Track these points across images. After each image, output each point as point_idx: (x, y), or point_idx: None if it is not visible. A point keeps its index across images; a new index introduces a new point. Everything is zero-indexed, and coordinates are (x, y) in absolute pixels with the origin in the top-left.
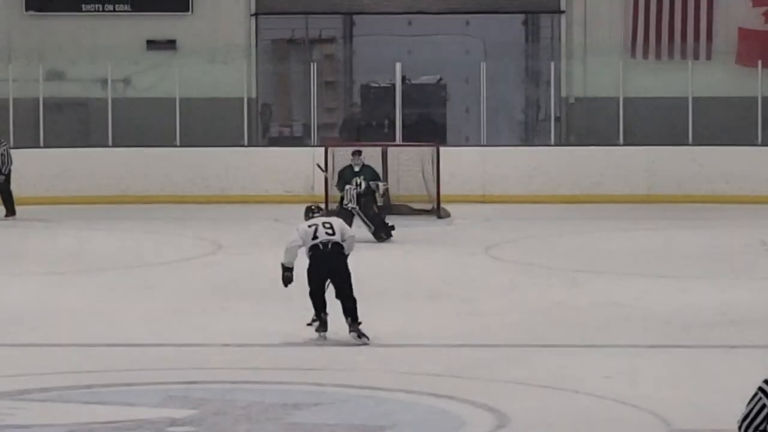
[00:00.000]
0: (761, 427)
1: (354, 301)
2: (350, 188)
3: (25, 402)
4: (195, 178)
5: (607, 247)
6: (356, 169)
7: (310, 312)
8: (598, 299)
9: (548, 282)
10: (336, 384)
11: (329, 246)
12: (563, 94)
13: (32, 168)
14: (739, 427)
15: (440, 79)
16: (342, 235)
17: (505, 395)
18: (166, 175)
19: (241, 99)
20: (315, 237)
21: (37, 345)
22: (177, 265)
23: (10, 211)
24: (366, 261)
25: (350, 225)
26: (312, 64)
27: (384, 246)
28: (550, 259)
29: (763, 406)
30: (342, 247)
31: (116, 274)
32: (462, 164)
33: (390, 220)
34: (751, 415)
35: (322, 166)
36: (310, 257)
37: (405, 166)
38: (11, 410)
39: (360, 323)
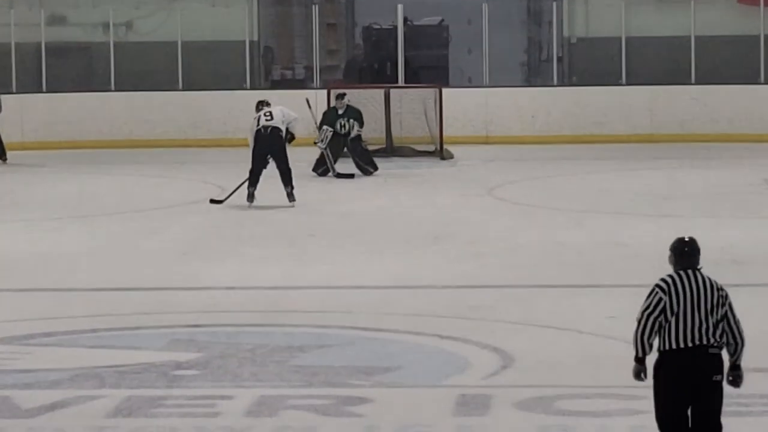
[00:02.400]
0: (659, 318)
1: (290, 171)
2: (326, 129)
3: (30, 346)
4: (198, 122)
5: (610, 187)
6: (340, 111)
7: (312, 254)
8: (602, 239)
9: (551, 222)
10: (340, 326)
11: (268, 130)
12: (565, 34)
13: (35, 113)
14: (638, 319)
15: (442, 20)
16: (283, 120)
17: (509, 336)
18: (168, 118)
19: (243, 42)
20: (258, 124)
21: (41, 290)
22: (181, 208)
23: (2, 157)
24: (368, 203)
25: (325, 164)
26: (314, 6)
27: (387, 188)
28: (552, 199)
29: (660, 299)
30: (279, 130)
31: (120, 218)
32: (464, 105)
33: (393, 161)
34: (650, 308)
35: (311, 103)
36: (254, 140)
37: (407, 108)
38: (16, 355)
39: (293, 188)
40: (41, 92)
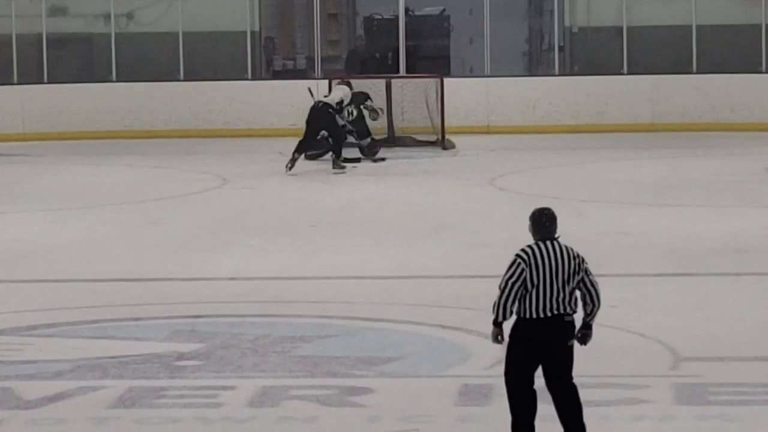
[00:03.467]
0: (521, 288)
1: (336, 142)
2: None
3: (33, 337)
4: (199, 112)
5: (611, 176)
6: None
7: (314, 244)
8: (604, 229)
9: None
10: (342, 316)
11: (320, 104)
12: (567, 23)
13: (36, 104)
14: (501, 287)
15: (443, 10)
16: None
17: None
18: (170, 109)
19: (244, 32)
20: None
21: (43, 281)
22: (182, 199)
23: None
24: (371, 193)
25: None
26: None
27: (389, 178)
28: (554, 189)
29: (522, 270)
30: (329, 106)
31: (121, 209)
32: (466, 95)
33: (395, 152)
34: (513, 277)
35: (313, 92)
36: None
37: (409, 98)
38: (19, 346)
39: (338, 158)
40: (42, 83)
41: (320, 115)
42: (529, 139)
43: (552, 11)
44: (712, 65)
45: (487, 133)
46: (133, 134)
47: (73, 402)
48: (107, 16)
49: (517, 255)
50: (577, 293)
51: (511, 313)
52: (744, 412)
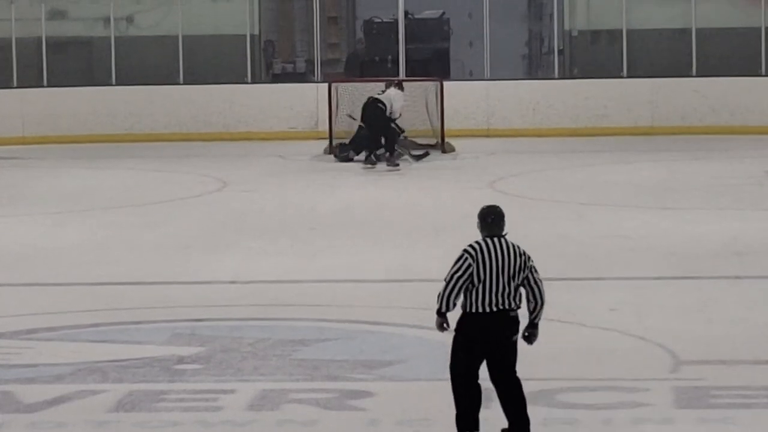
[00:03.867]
0: (466, 282)
1: (388, 140)
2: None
3: (33, 341)
4: (199, 116)
5: (611, 179)
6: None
7: (314, 248)
8: (603, 232)
9: (553, 215)
10: (342, 320)
11: (370, 100)
12: (566, 27)
13: (36, 107)
14: (447, 280)
15: (443, 13)
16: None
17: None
18: (169, 113)
19: (244, 36)
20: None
21: (43, 284)
22: (182, 202)
23: None
24: (371, 196)
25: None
26: None
27: (389, 181)
28: (554, 192)
29: (469, 265)
30: (380, 102)
31: (122, 212)
32: (466, 99)
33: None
34: (460, 272)
35: (354, 116)
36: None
37: (409, 102)
38: (19, 349)
39: (391, 155)
40: (42, 87)
41: (371, 110)
42: (528, 142)
43: (552, 14)
44: (711, 68)
45: (487, 136)
46: (133, 137)
47: (73, 405)
48: (107, 20)
49: (465, 250)
50: (522, 291)
51: (455, 305)
52: (745, 415)
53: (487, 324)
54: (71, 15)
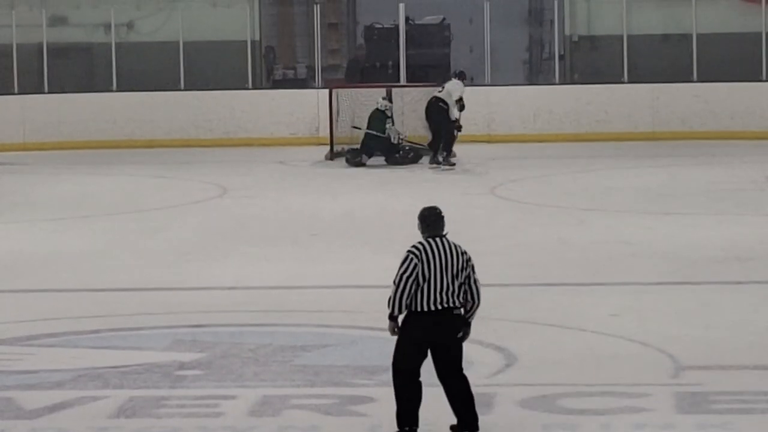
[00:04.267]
0: (414, 282)
1: (442, 137)
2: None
3: (33, 347)
4: (199, 122)
5: (612, 184)
6: (389, 114)
7: (315, 253)
8: (604, 237)
9: (554, 221)
10: (343, 325)
11: (432, 99)
12: (567, 32)
13: (36, 113)
14: (396, 282)
15: (444, 19)
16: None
17: (512, 334)
18: (170, 118)
19: (245, 42)
20: None
21: (44, 291)
22: (183, 208)
23: None
24: (371, 202)
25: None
26: (315, 5)
27: (389, 186)
28: (555, 197)
29: (415, 265)
30: (440, 100)
31: (122, 218)
32: (467, 104)
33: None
34: (408, 272)
35: (358, 125)
36: None
37: (409, 107)
38: (19, 355)
39: (439, 154)
40: (43, 93)
41: (434, 110)
42: (529, 148)
43: (552, 20)
44: (712, 73)
45: (488, 141)
46: (133, 143)
47: (73, 412)
48: (107, 26)
49: (409, 251)
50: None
51: (407, 306)
52: (745, 420)
53: (432, 322)
54: (72, 21)
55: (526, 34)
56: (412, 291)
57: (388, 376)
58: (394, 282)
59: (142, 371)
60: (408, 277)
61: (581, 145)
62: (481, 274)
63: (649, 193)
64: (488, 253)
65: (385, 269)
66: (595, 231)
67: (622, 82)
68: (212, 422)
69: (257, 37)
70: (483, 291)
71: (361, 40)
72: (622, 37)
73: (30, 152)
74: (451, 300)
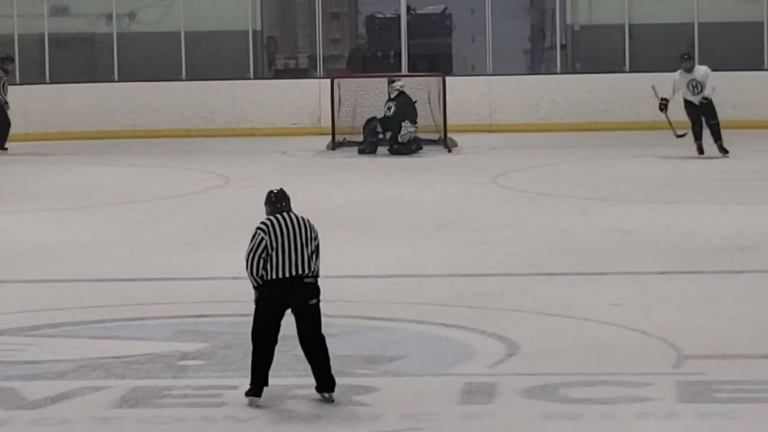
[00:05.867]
0: (263, 255)
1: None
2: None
3: (36, 338)
4: (201, 112)
5: (614, 174)
6: (392, 95)
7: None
8: (606, 227)
9: (556, 210)
10: (344, 315)
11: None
12: (569, 21)
13: (38, 104)
14: (247, 259)
15: (445, 8)
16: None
17: (514, 324)
18: (172, 109)
19: (246, 32)
20: None
21: (46, 281)
22: (185, 198)
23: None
24: (373, 191)
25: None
26: None
27: (391, 176)
28: (557, 187)
29: (262, 239)
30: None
31: (124, 208)
32: (468, 94)
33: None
34: (255, 248)
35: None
36: None
37: (411, 97)
38: (22, 346)
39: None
40: (44, 83)
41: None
42: (531, 137)
43: (554, 9)
44: (714, 63)
45: (489, 131)
46: (135, 134)
47: (76, 402)
48: (109, 16)
49: (257, 227)
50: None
51: (262, 278)
52: (747, 409)
53: (284, 289)
54: (73, 11)
55: (527, 24)
56: (263, 263)
57: (391, 366)
58: (245, 259)
59: (144, 361)
60: (255, 253)
61: (583, 135)
62: (482, 263)
63: (650, 183)
64: (490, 243)
65: (387, 259)
66: (597, 220)
67: (624, 72)
68: (214, 412)
69: (259, 27)
70: (483, 279)
71: (362, 30)
72: (624, 26)
73: (32, 142)
74: (300, 268)
